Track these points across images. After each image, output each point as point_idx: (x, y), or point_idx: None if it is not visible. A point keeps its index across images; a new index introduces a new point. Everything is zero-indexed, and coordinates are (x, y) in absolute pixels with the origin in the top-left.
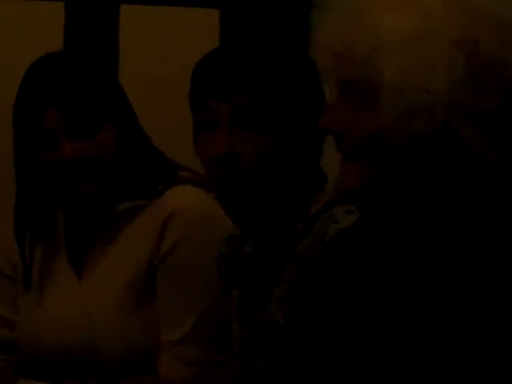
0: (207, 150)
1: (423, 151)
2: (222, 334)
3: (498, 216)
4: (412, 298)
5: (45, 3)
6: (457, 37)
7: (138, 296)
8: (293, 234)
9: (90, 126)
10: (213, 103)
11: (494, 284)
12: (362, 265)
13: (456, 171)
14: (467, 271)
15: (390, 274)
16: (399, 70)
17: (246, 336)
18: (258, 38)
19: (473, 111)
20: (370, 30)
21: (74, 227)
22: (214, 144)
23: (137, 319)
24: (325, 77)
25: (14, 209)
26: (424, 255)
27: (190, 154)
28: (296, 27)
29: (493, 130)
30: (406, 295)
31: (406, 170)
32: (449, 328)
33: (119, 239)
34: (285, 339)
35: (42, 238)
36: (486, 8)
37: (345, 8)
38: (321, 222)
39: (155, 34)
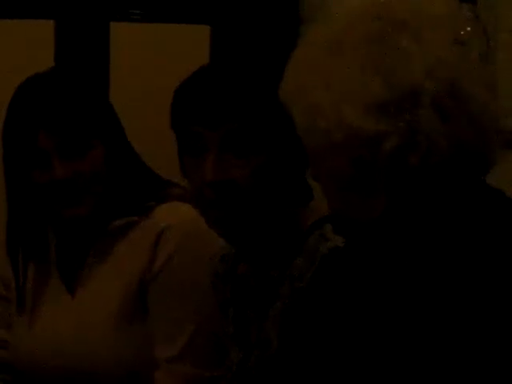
0: (197, 174)
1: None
2: (218, 350)
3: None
4: (406, 316)
5: (35, 22)
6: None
7: (131, 313)
8: (285, 253)
9: (80, 145)
10: (201, 130)
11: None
12: (355, 283)
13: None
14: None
15: (382, 292)
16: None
17: (242, 356)
18: (243, 60)
19: (359, 98)
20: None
21: (65, 246)
22: (204, 169)
23: (130, 336)
24: None
25: (5, 229)
26: (408, 271)
27: (178, 170)
28: (285, 42)
29: (409, 129)
30: (399, 313)
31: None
32: (443, 351)
33: (111, 257)
34: (279, 359)
35: (35, 257)
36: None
37: None
38: (312, 241)
39: (146, 51)
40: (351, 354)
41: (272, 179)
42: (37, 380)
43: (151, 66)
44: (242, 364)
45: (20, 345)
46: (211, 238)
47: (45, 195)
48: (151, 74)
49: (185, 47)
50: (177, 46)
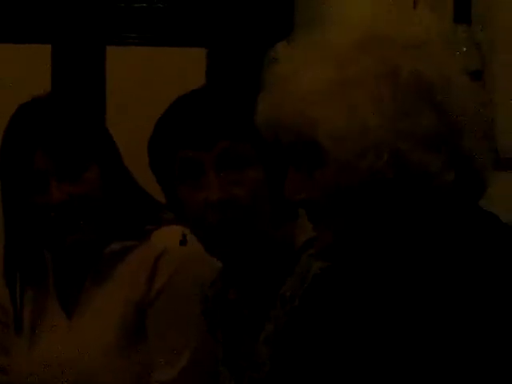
0: (198, 196)
1: (380, 188)
2: (214, 374)
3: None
4: (397, 334)
5: (32, 46)
6: (378, 71)
7: (129, 337)
8: (277, 274)
9: (76, 167)
10: (192, 153)
11: (463, 324)
12: (346, 302)
13: (414, 198)
14: (448, 305)
15: (373, 311)
16: (331, 121)
17: (234, 380)
18: (235, 80)
19: (414, 135)
20: (294, 93)
21: (62, 269)
22: (206, 190)
23: (128, 360)
24: None
25: (3, 253)
26: (403, 292)
27: None
28: None
29: (445, 150)
30: (391, 332)
31: (371, 210)
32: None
33: (109, 280)
34: (272, 382)
35: (32, 281)
36: (399, 37)
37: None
38: (302, 261)
39: (142, 74)
40: (347, 374)
41: (268, 194)
42: None
43: (147, 89)
44: None
45: (19, 368)
46: (209, 260)
47: (41, 218)
48: (147, 97)
49: (181, 70)
50: (173, 69)
